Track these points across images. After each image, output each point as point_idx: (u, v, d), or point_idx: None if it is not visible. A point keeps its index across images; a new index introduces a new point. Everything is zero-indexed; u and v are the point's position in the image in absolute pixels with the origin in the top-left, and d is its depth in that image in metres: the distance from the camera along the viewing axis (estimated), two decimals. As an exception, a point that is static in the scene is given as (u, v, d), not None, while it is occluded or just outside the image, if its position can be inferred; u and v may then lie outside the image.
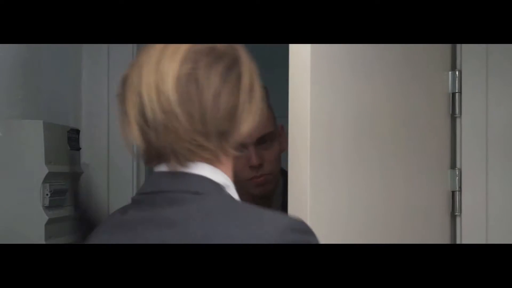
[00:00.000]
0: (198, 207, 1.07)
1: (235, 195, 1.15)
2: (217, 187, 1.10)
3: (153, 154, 1.10)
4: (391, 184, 1.65)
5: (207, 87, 1.07)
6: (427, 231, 1.81)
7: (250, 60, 1.14)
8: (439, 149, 1.88)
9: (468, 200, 1.89)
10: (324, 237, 1.16)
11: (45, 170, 1.58)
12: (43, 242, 1.58)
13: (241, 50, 1.13)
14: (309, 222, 1.25)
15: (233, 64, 1.11)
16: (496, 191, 1.89)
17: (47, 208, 1.60)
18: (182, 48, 1.09)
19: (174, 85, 1.06)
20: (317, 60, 1.34)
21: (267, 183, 1.74)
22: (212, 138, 1.08)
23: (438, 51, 1.87)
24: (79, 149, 1.79)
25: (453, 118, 1.92)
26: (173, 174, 1.09)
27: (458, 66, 1.91)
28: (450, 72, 1.91)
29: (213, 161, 1.10)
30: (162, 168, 1.11)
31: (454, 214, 1.90)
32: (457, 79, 1.90)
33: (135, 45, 1.97)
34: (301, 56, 1.31)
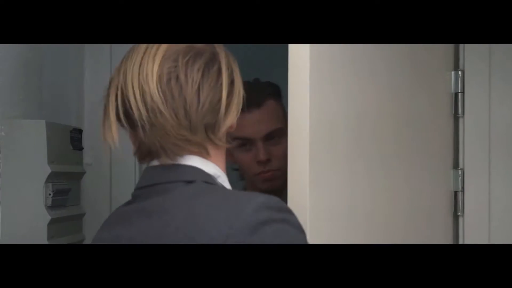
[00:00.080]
0: (181, 194, 1.12)
1: (226, 184, 1.19)
2: (208, 177, 1.15)
3: (144, 152, 1.16)
4: (393, 184, 1.65)
5: (188, 84, 1.13)
6: (430, 231, 1.81)
7: (229, 55, 1.19)
8: (441, 149, 1.88)
9: (471, 200, 1.89)
10: (325, 237, 1.17)
11: (47, 170, 1.58)
12: (46, 242, 1.59)
13: (218, 47, 1.19)
14: (308, 222, 1.25)
15: (212, 60, 1.16)
16: (499, 191, 1.88)
17: (50, 207, 1.60)
18: (162, 49, 1.14)
19: (156, 84, 1.12)
20: (316, 60, 1.33)
21: (274, 179, 1.75)
22: (198, 132, 1.13)
23: (441, 51, 1.87)
24: (81, 149, 1.79)
25: (456, 118, 1.91)
26: (164, 167, 1.15)
27: (461, 66, 1.91)
28: (453, 72, 1.90)
29: (202, 153, 1.15)
30: (155, 163, 1.17)
31: (456, 214, 1.90)
32: (460, 79, 1.90)
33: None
34: (301, 56, 1.31)
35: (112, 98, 1.16)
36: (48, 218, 1.59)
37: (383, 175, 1.60)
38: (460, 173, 1.90)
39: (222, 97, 1.15)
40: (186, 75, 1.13)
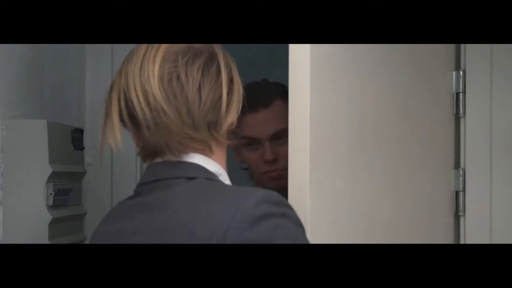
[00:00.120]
0: (183, 189, 1.14)
1: (227, 182, 1.21)
2: (209, 174, 1.17)
3: (149, 151, 1.19)
4: (395, 184, 1.65)
5: (189, 83, 1.15)
6: (431, 231, 1.81)
7: (226, 55, 1.22)
8: (443, 149, 1.88)
9: (472, 200, 1.89)
10: (327, 237, 1.17)
11: (49, 170, 1.58)
12: (47, 242, 1.58)
13: (216, 47, 1.21)
14: (309, 223, 1.25)
15: (211, 60, 1.18)
16: (500, 191, 1.88)
17: (51, 207, 1.60)
18: (162, 50, 1.17)
19: (158, 84, 1.14)
20: (317, 60, 1.33)
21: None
22: (201, 129, 1.16)
23: (442, 51, 1.87)
24: (82, 148, 1.79)
25: (457, 118, 1.91)
26: (168, 163, 1.17)
27: (462, 66, 1.90)
28: (454, 72, 1.90)
29: (205, 151, 1.18)
30: (158, 160, 1.19)
31: (458, 214, 1.90)
32: (461, 79, 1.90)
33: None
34: (301, 56, 1.31)
35: (114, 100, 1.18)
36: (49, 217, 1.59)
37: (384, 175, 1.60)
38: (461, 173, 1.90)
39: (222, 95, 1.18)
40: (186, 75, 1.16)
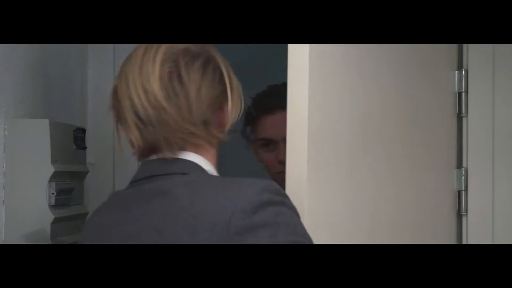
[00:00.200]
0: (183, 179, 1.18)
1: None
2: (203, 171, 1.22)
3: (147, 148, 1.22)
4: (397, 184, 1.65)
5: (189, 82, 1.21)
6: (433, 231, 1.81)
7: (222, 57, 1.27)
8: (445, 149, 1.87)
9: (474, 200, 1.89)
10: (328, 237, 1.17)
11: (51, 169, 1.58)
12: (49, 241, 1.59)
13: (212, 50, 1.27)
14: (309, 223, 1.25)
15: (208, 61, 1.24)
16: (503, 191, 1.88)
17: (53, 207, 1.60)
18: (161, 51, 1.22)
19: (158, 83, 1.19)
20: (316, 61, 1.33)
21: None
22: (199, 126, 1.21)
23: (445, 50, 1.86)
24: (85, 148, 1.79)
25: (460, 117, 1.91)
26: (163, 160, 1.21)
27: (464, 66, 1.90)
28: (456, 72, 1.90)
29: (199, 148, 1.23)
30: (153, 157, 1.23)
31: (460, 213, 1.90)
32: (463, 78, 1.90)
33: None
34: (300, 56, 1.31)
35: (126, 103, 1.21)
36: (52, 217, 1.59)
37: (387, 174, 1.60)
38: (463, 172, 1.89)
39: (221, 94, 1.24)
40: (188, 74, 1.21)
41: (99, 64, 2.04)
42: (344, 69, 1.45)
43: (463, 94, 1.89)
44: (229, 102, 1.25)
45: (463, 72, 1.90)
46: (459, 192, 1.90)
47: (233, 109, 1.26)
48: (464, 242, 1.89)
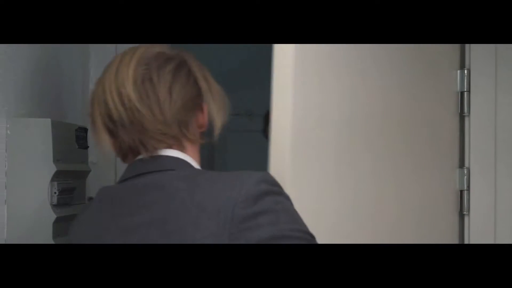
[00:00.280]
0: (178, 174, 1.22)
1: None
2: (190, 165, 1.27)
3: (126, 150, 1.28)
4: (399, 183, 1.65)
5: (160, 83, 1.26)
6: (436, 230, 1.81)
7: (199, 62, 1.33)
8: (447, 148, 1.87)
9: (477, 199, 1.89)
10: (328, 238, 1.16)
11: (53, 168, 1.58)
12: (51, 240, 1.59)
13: (187, 54, 1.32)
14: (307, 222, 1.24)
15: (181, 65, 1.29)
16: (505, 190, 1.88)
17: (55, 206, 1.60)
18: (136, 56, 1.28)
19: (132, 86, 1.25)
20: (302, 60, 1.32)
21: None
22: (172, 126, 1.26)
23: (447, 49, 1.86)
24: (87, 147, 1.79)
25: (462, 117, 1.91)
26: (147, 159, 1.26)
27: (467, 65, 1.90)
28: (459, 71, 1.90)
29: (178, 146, 1.27)
30: (138, 158, 1.27)
31: (462, 213, 1.90)
32: (465, 77, 1.89)
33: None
34: (286, 56, 1.31)
35: (96, 107, 1.29)
36: (54, 216, 1.59)
37: (389, 174, 1.60)
38: (465, 172, 1.89)
39: (197, 96, 1.29)
40: (158, 76, 1.26)
41: (101, 64, 2.02)
42: (343, 68, 1.45)
43: (466, 93, 1.89)
44: (211, 105, 1.30)
45: (466, 72, 1.89)
46: (461, 192, 1.90)
47: (218, 113, 1.31)
48: (466, 241, 1.89)
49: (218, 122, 1.31)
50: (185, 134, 1.27)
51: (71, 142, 1.71)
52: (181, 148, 1.28)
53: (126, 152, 1.29)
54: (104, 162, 1.99)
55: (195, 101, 1.29)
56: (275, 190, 1.17)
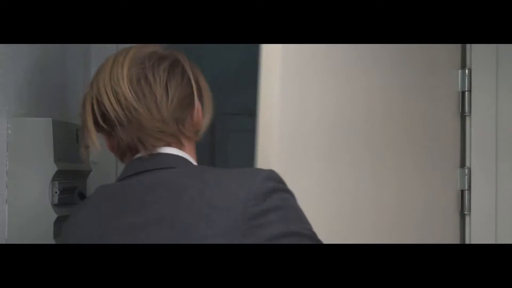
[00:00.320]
0: (183, 171, 1.23)
1: None
2: (189, 163, 1.27)
3: (124, 149, 1.28)
4: (400, 183, 1.64)
5: (156, 82, 1.26)
6: (436, 230, 1.81)
7: (191, 62, 1.33)
8: (448, 148, 1.87)
9: (478, 199, 1.88)
10: (328, 237, 1.17)
11: (54, 168, 1.58)
12: (52, 240, 1.59)
13: (179, 54, 1.32)
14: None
15: (175, 63, 1.30)
16: (506, 190, 1.88)
17: (56, 206, 1.60)
18: (129, 56, 1.28)
19: (127, 85, 1.26)
20: (289, 61, 1.31)
21: None
22: (170, 124, 1.26)
23: (448, 49, 1.86)
24: (88, 147, 1.79)
25: (463, 116, 1.91)
26: (147, 157, 1.26)
27: (468, 64, 1.90)
28: (460, 71, 1.90)
29: (177, 144, 1.28)
30: (137, 156, 1.27)
31: (463, 213, 1.90)
32: (467, 77, 1.89)
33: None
34: (273, 56, 1.31)
35: (88, 108, 1.29)
36: (55, 216, 1.59)
37: (390, 173, 1.60)
38: (466, 172, 1.89)
39: (191, 94, 1.29)
40: (153, 75, 1.27)
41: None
42: (344, 68, 1.45)
43: (467, 93, 1.89)
44: (204, 102, 1.32)
45: (467, 71, 1.89)
46: (462, 192, 1.90)
47: (206, 111, 1.33)
48: (467, 241, 1.89)
49: (206, 120, 1.33)
50: (182, 132, 1.28)
51: (72, 142, 1.71)
52: (180, 146, 1.28)
53: (124, 151, 1.29)
54: (105, 162, 1.99)
55: (190, 99, 1.30)
56: (281, 187, 1.18)
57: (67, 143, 1.68)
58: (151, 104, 1.25)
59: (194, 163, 1.29)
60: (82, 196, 1.66)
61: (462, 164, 1.90)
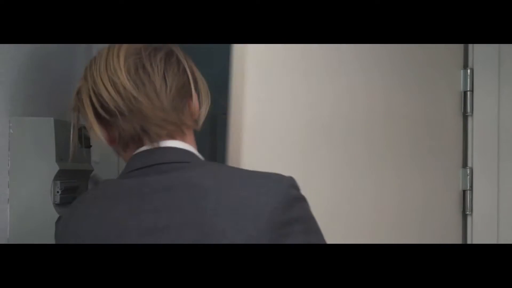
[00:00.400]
0: (204, 171, 1.19)
1: None
2: (197, 157, 1.25)
3: (126, 139, 1.26)
4: (402, 183, 1.64)
5: (154, 71, 1.25)
6: (438, 230, 1.80)
7: (184, 52, 1.32)
8: (450, 148, 1.87)
9: (480, 199, 1.88)
10: (329, 238, 1.16)
11: (56, 168, 1.58)
12: (53, 240, 1.59)
13: (172, 45, 1.31)
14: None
15: (170, 53, 1.29)
16: (508, 190, 1.88)
17: (58, 205, 1.60)
18: (124, 47, 1.27)
19: (125, 75, 1.24)
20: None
21: None
22: (171, 113, 1.24)
23: (450, 49, 1.86)
24: (89, 146, 1.79)
25: (465, 116, 1.91)
26: (154, 150, 1.23)
27: (470, 64, 1.90)
28: (462, 70, 1.90)
29: (178, 133, 1.26)
30: (141, 149, 1.25)
31: (465, 213, 1.90)
32: (469, 77, 1.89)
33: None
34: (244, 56, 1.32)
35: (86, 101, 1.27)
36: (56, 215, 1.59)
37: (392, 173, 1.60)
38: (468, 172, 1.89)
39: (187, 84, 1.28)
40: (151, 64, 1.25)
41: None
42: (344, 67, 1.45)
43: (469, 93, 1.89)
44: (200, 92, 1.30)
45: (469, 71, 1.89)
46: (464, 192, 1.89)
47: (203, 101, 1.31)
48: (469, 241, 1.88)
49: (203, 110, 1.31)
50: (183, 121, 1.27)
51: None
52: (182, 135, 1.26)
53: (126, 142, 1.26)
54: (107, 162, 1.99)
55: (187, 88, 1.29)
56: (301, 196, 1.18)
57: (69, 142, 1.68)
58: (151, 92, 1.24)
59: (200, 156, 1.27)
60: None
61: (464, 164, 1.90)
